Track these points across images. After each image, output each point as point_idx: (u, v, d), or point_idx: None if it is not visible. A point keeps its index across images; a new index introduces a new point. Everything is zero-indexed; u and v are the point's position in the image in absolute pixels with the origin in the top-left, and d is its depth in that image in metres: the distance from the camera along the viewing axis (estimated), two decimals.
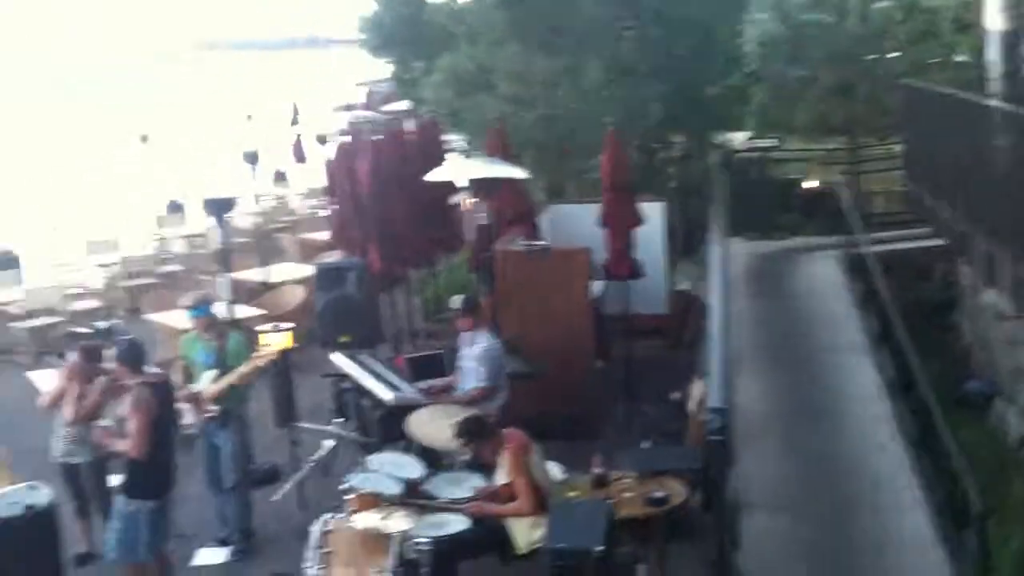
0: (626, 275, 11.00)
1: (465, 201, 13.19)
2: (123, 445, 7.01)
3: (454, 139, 16.64)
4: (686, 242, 15.27)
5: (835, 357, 11.44)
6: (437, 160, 11.78)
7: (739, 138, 18.51)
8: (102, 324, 11.34)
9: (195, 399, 8.23)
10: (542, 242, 11.17)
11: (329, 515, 6.97)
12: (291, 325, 10.18)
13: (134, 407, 6.97)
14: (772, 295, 13.76)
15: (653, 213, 11.88)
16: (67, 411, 7.78)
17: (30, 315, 13.58)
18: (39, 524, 5.18)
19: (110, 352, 7.28)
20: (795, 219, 17.19)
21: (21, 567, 5.03)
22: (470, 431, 6.88)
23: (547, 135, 14.10)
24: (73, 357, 7.94)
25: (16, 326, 13.66)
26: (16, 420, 11.11)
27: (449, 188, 11.87)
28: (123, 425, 7.08)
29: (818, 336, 12.12)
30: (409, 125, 12.73)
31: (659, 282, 12.53)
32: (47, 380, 10.17)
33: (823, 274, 14.46)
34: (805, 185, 18.05)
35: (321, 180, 18.12)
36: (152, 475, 7.12)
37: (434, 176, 9.86)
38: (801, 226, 16.91)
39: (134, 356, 7.20)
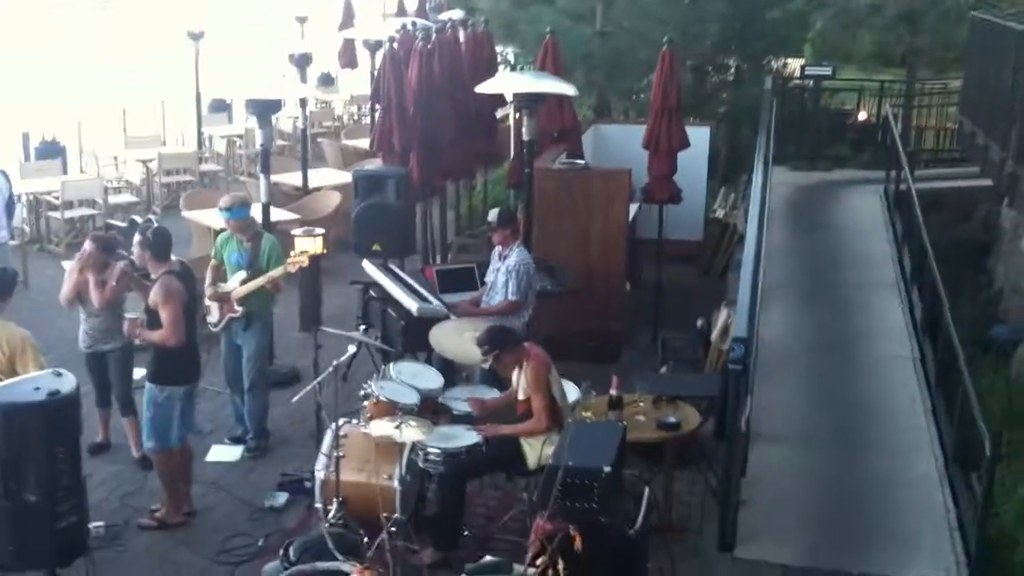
0: (666, 199, 10.88)
1: (510, 115, 13.05)
2: (157, 336, 7.04)
3: (505, 51, 16.43)
4: (728, 169, 15.05)
5: (865, 294, 11.28)
6: (487, 72, 11.62)
7: (793, 65, 18.10)
8: (138, 219, 11.39)
9: (222, 298, 8.28)
10: (583, 161, 11.05)
11: (344, 420, 7.02)
12: (323, 231, 10.19)
13: (164, 297, 6.97)
14: (810, 227, 13.55)
15: (698, 137, 11.69)
16: (93, 299, 7.83)
17: (67, 206, 13.69)
18: (62, 410, 5.22)
19: (133, 241, 7.26)
20: (843, 151, 16.87)
21: (42, 452, 5.09)
22: (494, 340, 6.83)
23: (600, 51, 13.85)
24: (86, 248, 7.93)
25: (54, 216, 13.79)
26: (47, 308, 11.28)
27: (496, 101, 11.72)
28: (152, 315, 7.10)
29: (851, 271, 11.95)
30: (461, 34, 12.51)
31: (696, 208, 12.40)
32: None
33: (865, 208, 14.20)
34: (857, 117, 17.67)
35: (367, 87, 18.02)
36: (182, 362, 7.18)
37: (483, 88, 9.72)
38: (848, 159, 16.60)
39: (160, 245, 7.15)
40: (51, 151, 15.59)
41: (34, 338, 6.88)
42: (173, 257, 7.29)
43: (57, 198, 13.56)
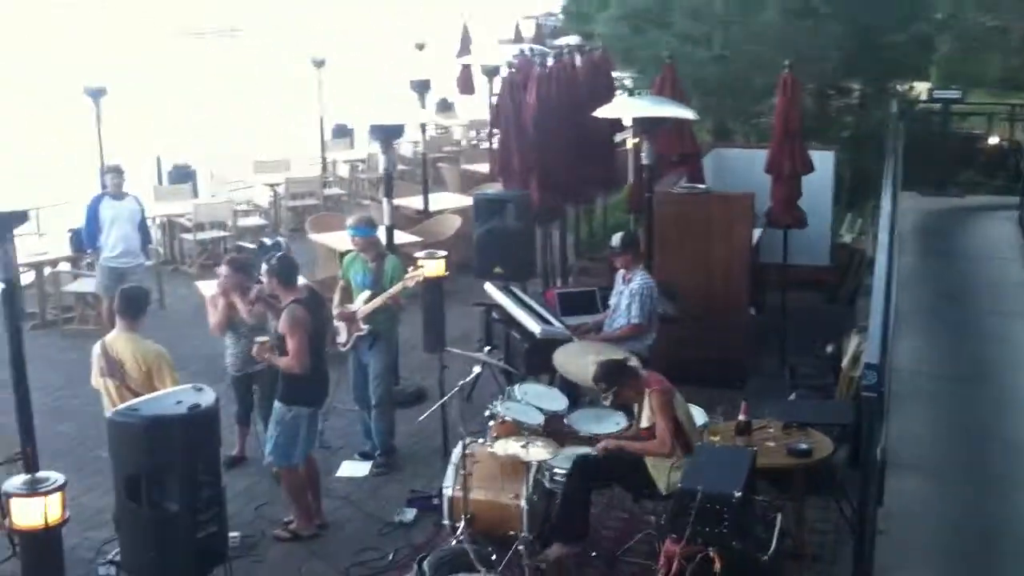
0: (789, 224, 10.72)
1: (629, 140, 13.04)
2: (283, 362, 7.22)
3: (623, 75, 16.44)
4: (853, 194, 14.75)
5: (1001, 323, 10.88)
6: (605, 96, 11.64)
7: (920, 88, 17.68)
8: (267, 241, 11.69)
9: (349, 318, 8.44)
10: (704, 185, 10.97)
11: (470, 439, 7.07)
12: (445, 253, 10.30)
13: (291, 325, 7.15)
14: (941, 254, 13.17)
15: (822, 162, 11.49)
16: (244, 314, 8.02)
17: (199, 228, 14.13)
18: (202, 423, 5.36)
19: (262, 267, 7.46)
20: (974, 176, 16.38)
21: (183, 463, 5.23)
22: (608, 376, 6.79)
23: (719, 75, 13.77)
24: (223, 271, 8.15)
25: (186, 237, 14.25)
26: (182, 326, 11.65)
27: (614, 125, 11.73)
28: (280, 340, 7.28)
29: (985, 300, 11.55)
30: (578, 59, 12.58)
31: (822, 233, 12.17)
32: (210, 290, 10.63)
33: (998, 235, 13.74)
34: (988, 141, 17.15)
35: (485, 112, 18.23)
36: (310, 384, 7.35)
37: (601, 113, 9.76)
38: (980, 184, 16.10)
39: (286, 271, 7.35)
40: (183, 175, 16.15)
41: (170, 355, 7.12)
42: (301, 282, 7.47)
43: (189, 220, 14.01)
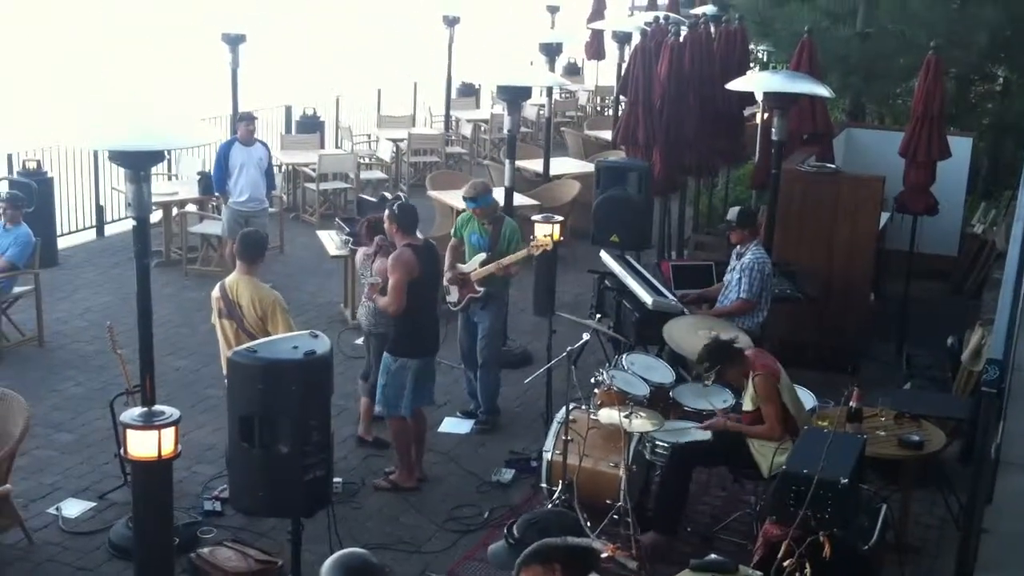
0: (920, 210, 10.40)
1: (757, 114, 12.79)
2: (381, 302, 7.34)
3: (758, 49, 16.10)
4: (989, 183, 14.22)
5: None
6: (738, 69, 11.44)
7: None
8: (387, 195, 11.82)
9: (463, 281, 8.48)
10: (833, 165, 10.72)
11: (574, 405, 7.08)
12: (561, 218, 10.24)
13: (394, 265, 7.22)
14: None
15: (959, 148, 11.09)
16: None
17: (323, 178, 14.36)
18: (316, 369, 5.45)
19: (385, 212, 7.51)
20: None
21: (296, 407, 5.33)
22: (712, 355, 6.70)
23: (859, 54, 13.36)
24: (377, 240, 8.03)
25: (309, 187, 14.51)
26: (300, 272, 11.91)
27: (744, 99, 11.52)
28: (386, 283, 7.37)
29: None
30: (713, 30, 12.35)
31: (953, 222, 11.78)
32: (331, 240, 10.82)
33: None
34: None
35: (612, 78, 18.03)
36: (416, 335, 7.42)
37: (734, 85, 9.59)
38: None
39: (406, 218, 7.37)
40: (311, 125, 16.40)
41: (286, 301, 7.24)
42: (419, 235, 7.51)
43: (314, 170, 14.26)
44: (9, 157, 12.53)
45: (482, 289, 8.41)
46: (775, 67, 14.51)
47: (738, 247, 8.36)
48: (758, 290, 8.17)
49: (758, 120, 12.73)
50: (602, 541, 5.71)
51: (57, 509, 7.09)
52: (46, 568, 6.50)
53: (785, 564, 3.18)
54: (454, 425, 8.56)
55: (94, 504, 7.20)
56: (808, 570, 3.19)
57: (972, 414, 7.18)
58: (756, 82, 9.84)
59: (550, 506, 6.58)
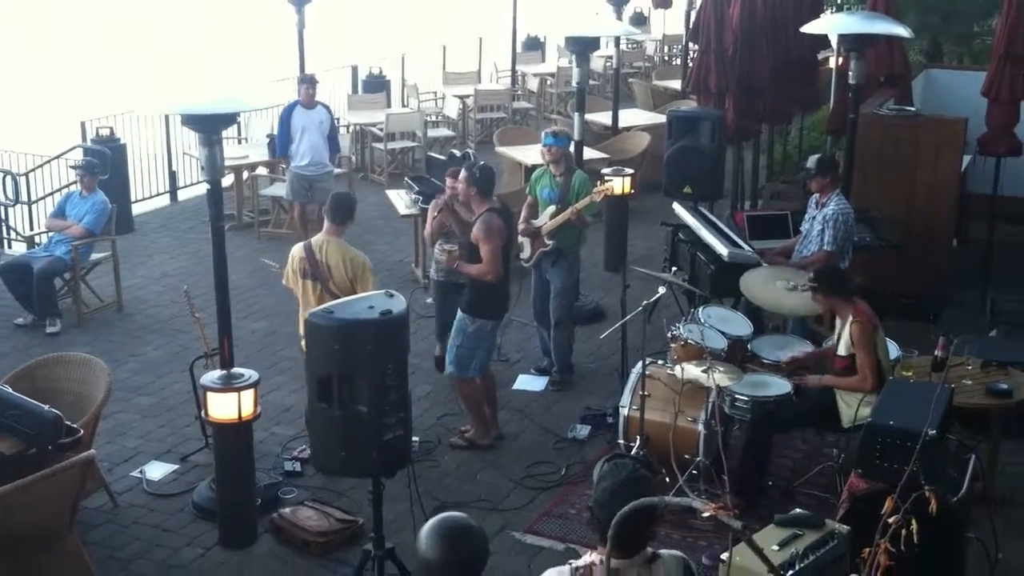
0: (1003, 152, 10.08)
1: (831, 58, 12.47)
2: (475, 270, 7.23)
3: None
4: None
5: None
6: (812, 12, 11.13)
7: None
8: (456, 152, 11.77)
9: (534, 234, 8.42)
10: (912, 108, 10.42)
11: (650, 360, 6.99)
12: (632, 171, 10.12)
13: (487, 233, 7.13)
14: None
15: None
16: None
17: (390, 137, 14.34)
18: (393, 329, 5.40)
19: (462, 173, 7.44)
20: None
21: (373, 367, 5.29)
22: (826, 281, 6.56)
23: None
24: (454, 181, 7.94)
25: (377, 147, 14.50)
26: (369, 232, 11.91)
27: (818, 43, 11.23)
28: (471, 249, 7.29)
29: None
30: None
31: None
32: (400, 199, 10.81)
33: None
34: None
35: (679, 27, 17.72)
36: (496, 297, 7.37)
37: (809, 29, 9.32)
38: None
39: (486, 181, 7.31)
40: (377, 84, 16.37)
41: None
42: (494, 196, 7.44)
43: (381, 130, 14.24)
44: (83, 125, 12.68)
45: (551, 242, 8.34)
46: (850, 8, 14.11)
47: (818, 196, 8.16)
48: (841, 241, 7.98)
49: (832, 64, 12.43)
50: (703, 500, 5.62)
51: (141, 472, 7.20)
52: (132, 530, 6.61)
53: (891, 520, 3.06)
54: (528, 382, 8.52)
55: (176, 466, 7.29)
56: (915, 527, 3.07)
57: None
58: (832, 24, 9.56)
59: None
